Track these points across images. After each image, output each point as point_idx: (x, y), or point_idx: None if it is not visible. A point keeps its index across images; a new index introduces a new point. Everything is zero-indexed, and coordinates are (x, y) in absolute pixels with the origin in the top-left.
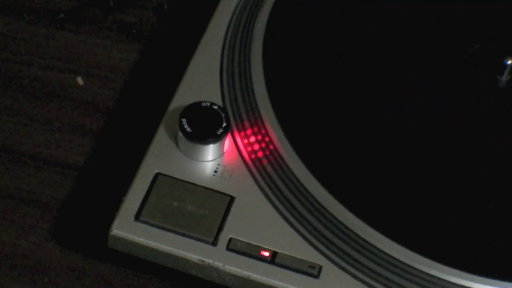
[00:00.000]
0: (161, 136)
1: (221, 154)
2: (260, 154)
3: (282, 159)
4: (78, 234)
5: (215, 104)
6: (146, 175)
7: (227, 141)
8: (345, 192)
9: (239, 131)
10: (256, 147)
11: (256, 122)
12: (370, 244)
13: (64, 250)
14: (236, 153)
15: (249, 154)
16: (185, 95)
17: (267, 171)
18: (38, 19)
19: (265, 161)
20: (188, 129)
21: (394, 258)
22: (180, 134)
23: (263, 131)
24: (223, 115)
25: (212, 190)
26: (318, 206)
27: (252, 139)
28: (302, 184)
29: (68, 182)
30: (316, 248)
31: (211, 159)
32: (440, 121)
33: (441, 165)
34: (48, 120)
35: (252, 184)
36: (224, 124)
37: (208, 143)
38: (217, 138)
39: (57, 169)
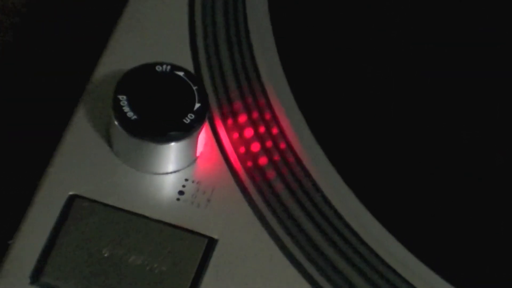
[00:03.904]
0: (79, 129)
1: (192, 160)
2: (262, 160)
3: (304, 168)
4: None
5: (180, 69)
6: (52, 200)
7: (203, 137)
8: (421, 240)
9: (224, 119)
10: (256, 146)
11: (256, 101)
12: None
13: None
14: (219, 158)
15: (243, 159)
16: (122, 52)
17: (275, 192)
18: None
19: (271, 174)
20: (131, 114)
21: None
22: (116, 123)
23: (268, 118)
24: (195, 88)
25: (175, 227)
26: (372, 259)
27: (249, 132)
28: (342, 218)
29: None
30: None
31: (173, 170)
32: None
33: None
34: None
35: (248, 215)
36: (197, 106)
37: (167, 140)
38: (184, 131)
39: None
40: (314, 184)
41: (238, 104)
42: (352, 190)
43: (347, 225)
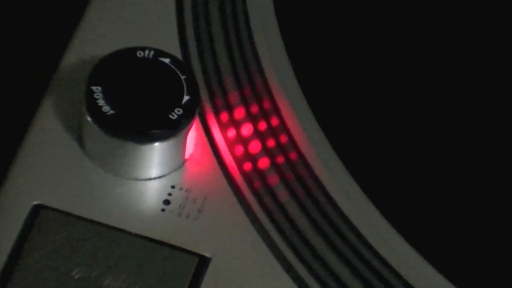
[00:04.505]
0: (44, 127)
1: (180, 163)
2: (263, 162)
3: (312, 173)
4: None
5: (165, 55)
6: (12, 211)
7: (192, 136)
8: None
9: (218, 114)
10: (256, 146)
11: (256, 92)
12: None
13: None
14: (211, 161)
15: (241, 162)
16: (96, 34)
17: (278, 201)
18: None
19: (274, 179)
20: (106, 108)
21: None
22: (89, 119)
23: (270, 112)
24: (183, 77)
25: (160, 243)
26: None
27: (247, 129)
28: (357, 232)
29: None
30: None
31: (158, 176)
32: None
33: None
34: None
35: (246, 229)
36: (186, 98)
37: (150, 139)
38: (170, 128)
39: None
40: (325, 191)
41: (234, 96)
42: (370, 199)
43: (364, 241)
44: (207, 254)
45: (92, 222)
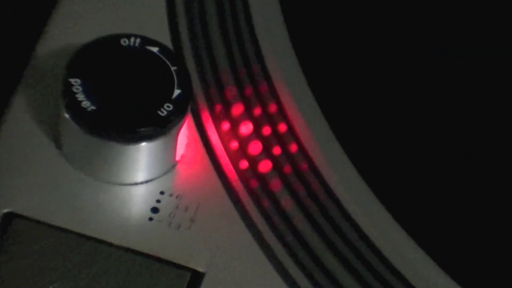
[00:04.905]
0: (16, 125)
1: (170, 166)
2: (264, 165)
3: (320, 176)
4: None
5: (153, 43)
6: None
7: (184, 135)
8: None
9: (213, 110)
10: (255, 148)
11: (256, 86)
12: None
13: None
14: (206, 163)
15: (239, 165)
16: (75, 20)
17: (280, 208)
18: None
19: (276, 184)
20: (87, 103)
21: None
22: (67, 116)
23: (272, 109)
24: (173, 69)
25: (147, 256)
26: None
27: (246, 128)
28: (373, 245)
29: None
30: None
31: (145, 180)
32: None
33: None
34: None
35: (244, 240)
36: (177, 93)
37: (136, 139)
38: (159, 126)
39: None
40: (333, 196)
41: (232, 90)
42: (386, 208)
43: (381, 256)
44: (201, 269)
45: (71, 232)
